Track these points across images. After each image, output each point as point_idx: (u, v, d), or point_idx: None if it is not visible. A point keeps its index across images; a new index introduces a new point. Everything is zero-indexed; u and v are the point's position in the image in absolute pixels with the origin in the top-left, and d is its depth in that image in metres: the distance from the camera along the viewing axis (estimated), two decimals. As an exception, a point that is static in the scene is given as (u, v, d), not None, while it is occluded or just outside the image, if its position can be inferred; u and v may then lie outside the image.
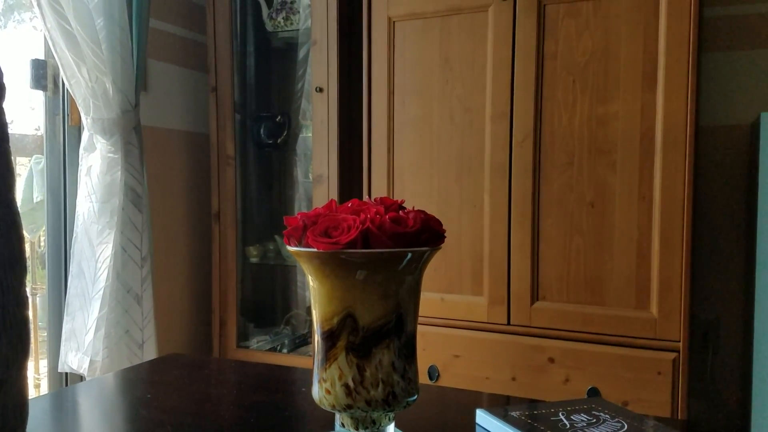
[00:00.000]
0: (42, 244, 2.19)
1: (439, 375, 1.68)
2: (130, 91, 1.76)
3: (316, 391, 0.66)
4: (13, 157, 0.55)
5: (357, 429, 0.66)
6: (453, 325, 1.68)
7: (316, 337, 0.66)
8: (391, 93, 1.73)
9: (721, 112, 1.91)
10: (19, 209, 0.54)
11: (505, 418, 0.74)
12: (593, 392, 1.51)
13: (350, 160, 1.97)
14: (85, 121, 1.73)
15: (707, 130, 1.92)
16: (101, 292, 1.71)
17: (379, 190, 1.75)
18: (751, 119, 1.86)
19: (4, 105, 0.54)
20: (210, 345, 2.21)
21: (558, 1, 1.54)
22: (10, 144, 0.54)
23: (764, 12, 1.86)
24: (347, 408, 0.64)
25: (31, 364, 2.08)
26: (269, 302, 2.41)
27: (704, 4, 1.81)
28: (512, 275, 1.61)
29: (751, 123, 1.86)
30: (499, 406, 0.82)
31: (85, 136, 1.76)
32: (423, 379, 1.69)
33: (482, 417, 0.77)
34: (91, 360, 1.70)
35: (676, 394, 1.45)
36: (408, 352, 0.66)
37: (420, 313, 0.97)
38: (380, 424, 0.66)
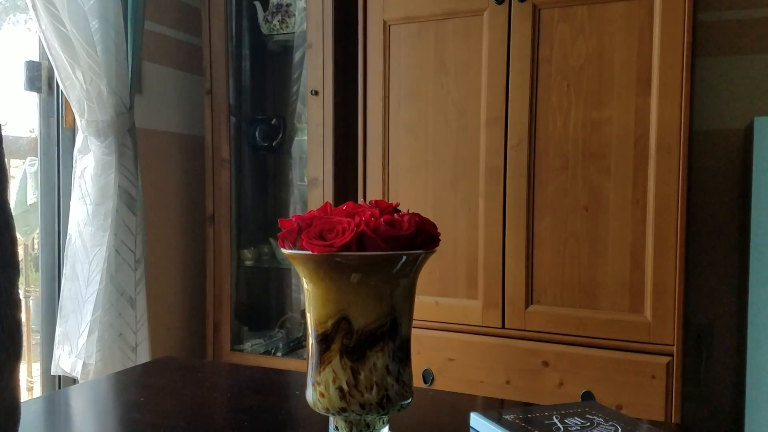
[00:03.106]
0: (35, 246, 2.18)
1: (433, 378, 1.68)
2: (124, 94, 1.76)
3: (310, 395, 0.66)
4: (6, 159, 0.54)
5: (351, 432, 0.66)
6: (448, 329, 1.68)
7: (311, 340, 0.66)
8: (386, 96, 1.74)
9: (715, 116, 1.92)
10: (12, 211, 0.54)
11: (500, 421, 0.74)
12: (587, 396, 1.51)
13: (345, 164, 1.97)
14: (80, 123, 1.73)
15: (701, 134, 1.93)
16: (95, 295, 1.70)
17: (374, 193, 1.76)
18: (745, 124, 1.87)
19: (-2, 106, 0.53)
20: (204, 348, 2.20)
21: (553, 6, 1.54)
22: (4, 146, 0.54)
23: (758, 17, 1.87)
24: (341, 411, 0.64)
25: (23, 367, 2.08)
26: (263, 305, 2.40)
27: (698, 10, 1.82)
28: (507, 279, 1.61)
29: (744, 128, 1.87)
30: (494, 409, 0.82)
31: (79, 138, 1.75)
32: (417, 382, 1.69)
33: (476, 420, 0.77)
34: (84, 363, 1.69)
35: (670, 398, 1.45)
36: (402, 355, 0.66)
37: (415, 317, 0.96)
38: (374, 428, 0.66)
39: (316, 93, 1.93)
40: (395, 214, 0.65)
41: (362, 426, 0.65)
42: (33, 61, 1.79)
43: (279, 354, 2.17)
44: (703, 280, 1.95)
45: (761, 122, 1.56)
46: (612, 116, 1.50)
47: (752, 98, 1.88)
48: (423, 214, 0.65)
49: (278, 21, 2.14)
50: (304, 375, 0.98)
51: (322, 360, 0.64)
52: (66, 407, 0.90)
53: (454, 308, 1.67)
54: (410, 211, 0.65)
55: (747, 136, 1.75)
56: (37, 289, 1.90)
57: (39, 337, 1.88)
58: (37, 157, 1.85)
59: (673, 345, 1.45)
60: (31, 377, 2.23)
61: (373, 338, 0.63)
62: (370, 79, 1.75)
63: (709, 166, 1.93)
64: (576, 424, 0.74)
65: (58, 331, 1.75)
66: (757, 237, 1.55)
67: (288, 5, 2.13)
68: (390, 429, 0.70)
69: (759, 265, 1.55)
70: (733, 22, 1.89)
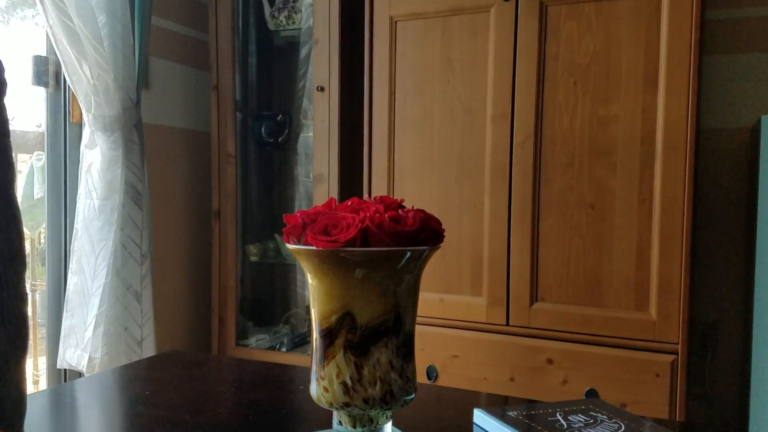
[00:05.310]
0: (42, 240, 2.19)
1: (437, 375, 1.68)
2: (131, 89, 1.76)
3: (314, 389, 0.66)
4: (14, 154, 0.55)
5: (354, 427, 0.66)
6: (452, 326, 1.68)
7: (315, 335, 0.66)
8: (392, 93, 1.74)
9: (722, 115, 1.91)
10: (19, 205, 0.55)
11: (503, 418, 0.74)
12: (591, 393, 1.51)
13: (351, 160, 1.97)
14: (87, 117, 1.73)
15: (708, 133, 1.92)
16: (101, 289, 1.71)
17: (379, 189, 1.76)
18: (752, 122, 1.86)
19: (6, 101, 0.54)
20: (209, 343, 2.21)
21: (560, 3, 1.54)
22: (12, 140, 0.55)
23: (765, 15, 1.86)
24: (345, 406, 0.64)
25: (30, 361, 2.09)
26: (268, 301, 2.41)
27: (706, 7, 1.81)
28: (512, 276, 1.61)
29: (751, 126, 1.86)
30: (497, 406, 0.82)
31: (86, 133, 1.76)
32: (421, 379, 1.69)
33: (480, 417, 0.77)
34: (90, 357, 1.70)
35: (674, 396, 1.45)
36: (406, 350, 0.66)
37: (419, 313, 0.97)
38: (378, 423, 0.66)
39: (322, 89, 1.93)
40: (400, 210, 0.65)
41: (366, 421, 0.66)
42: (40, 56, 1.80)
43: (284, 349, 2.17)
44: (708, 278, 1.94)
45: (769, 120, 1.55)
46: (619, 114, 1.50)
47: (759, 97, 1.87)
48: (428, 211, 0.65)
49: (285, 17, 2.14)
50: (308, 370, 0.99)
51: (326, 355, 0.64)
52: (71, 400, 0.91)
53: (458, 305, 1.67)
54: (415, 208, 0.65)
55: (754, 134, 1.74)
56: (44, 283, 1.91)
57: (45, 330, 1.89)
58: (44, 151, 1.85)
59: (677, 343, 1.45)
60: (37, 370, 2.24)
61: (377, 334, 0.63)
62: (376, 75, 1.75)
63: (716, 164, 1.92)
64: (579, 421, 0.74)
65: (64, 324, 1.76)
66: (764, 236, 1.55)
67: (294, 1, 2.13)
68: (393, 424, 0.70)
69: (765, 264, 1.54)
70: (741, 20, 1.88)
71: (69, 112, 1.85)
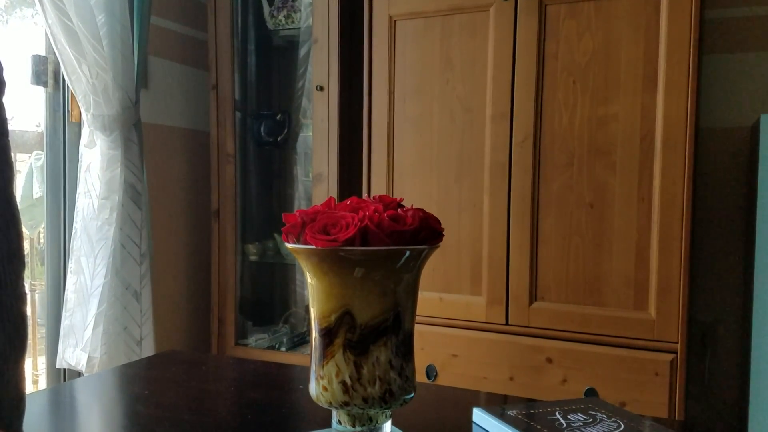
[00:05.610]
0: (41, 240, 2.19)
1: (437, 374, 1.68)
2: (130, 88, 1.76)
3: (314, 388, 0.66)
4: (13, 153, 0.55)
5: (354, 426, 0.66)
6: (451, 325, 1.68)
7: (314, 334, 0.66)
8: (391, 92, 1.73)
9: (721, 114, 1.91)
10: (18, 205, 0.55)
11: (502, 416, 0.74)
12: (591, 393, 1.51)
13: (350, 159, 1.97)
14: (86, 117, 1.73)
15: (707, 132, 1.92)
16: (100, 289, 1.71)
17: (378, 189, 1.76)
18: (751, 121, 1.86)
19: (4, 100, 0.54)
20: (208, 343, 2.21)
21: (559, 2, 1.54)
22: (11, 140, 0.54)
23: (765, 14, 1.86)
24: (344, 405, 0.64)
25: (29, 360, 2.08)
26: (268, 300, 2.41)
27: (705, 6, 1.81)
28: (511, 275, 1.61)
29: (751, 125, 1.86)
30: (497, 405, 0.82)
31: (85, 132, 1.76)
32: (421, 378, 1.69)
33: (479, 415, 0.77)
34: (89, 356, 1.70)
35: (674, 396, 1.45)
36: (405, 350, 0.66)
37: (418, 313, 0.97)
38: (377, 422, 0.66)
39: (322, 88, 1.93)
40: (399, 210, 0.64)
41: (365, 420, 0.66)
42: (39, 56, 1.79)
43: (283, 349, 2.17)
44: (708, 278, 1.94)
45: (768, 120, 1.55)
46: (618, 113, 1.50)
47: (759, 96, 1.87)
48: (427, 210, 0.65)
49: (284, 16, 2.14)
50: (307, 369, 0.98)
51: (326, 354, 0.64)
52: (71, 400, 0.91)
53: (458, 304, 1.67)
54: (414, 207, 0.65)
55: (753, 133, 1.74)
56: (43, 283, 1.91)
57: (44, 330, 1.89)
58: (43, 151, 1.85)
59: (677, 343, 1.45)
60: (37, 370, 2.24)
61: (376, 333, 0.63)
62: (376, 74, 1.75)
63: (715, 163, 1.92)
64: (578, 420, 0.74)
65: (64, 324, 1.76)
66: (763, 235, 1.55)
67: (294, 0, 2.13)
68: (393, 423, 0.70)
69: (764, 263, 1.55)
70: (741, 19, 1.88)
71: (68, 111, 1.85)
